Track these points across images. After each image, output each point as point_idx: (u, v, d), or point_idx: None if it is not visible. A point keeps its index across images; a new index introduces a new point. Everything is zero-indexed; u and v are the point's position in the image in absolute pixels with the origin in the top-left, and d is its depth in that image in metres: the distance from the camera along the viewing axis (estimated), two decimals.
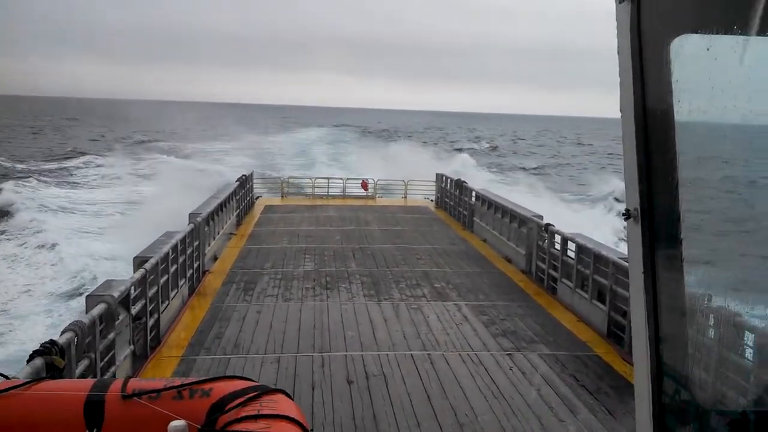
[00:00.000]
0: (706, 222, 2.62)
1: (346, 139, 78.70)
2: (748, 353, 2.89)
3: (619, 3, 2.65)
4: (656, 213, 2.66)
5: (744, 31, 2.10)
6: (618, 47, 2.69)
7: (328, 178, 37.34)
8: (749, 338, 2.90)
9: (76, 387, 3.81)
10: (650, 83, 2.58)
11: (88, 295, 10.74)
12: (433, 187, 34.45)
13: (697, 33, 2.37)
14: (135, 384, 3.76)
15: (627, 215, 2.76)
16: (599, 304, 14.12)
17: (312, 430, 3.56)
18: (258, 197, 34.01)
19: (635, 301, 2.82)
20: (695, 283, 2.62)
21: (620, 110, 2.73)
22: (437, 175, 34.16)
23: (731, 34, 2.17)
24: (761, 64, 2.07)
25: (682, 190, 2.52)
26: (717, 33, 2.23)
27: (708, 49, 2.22)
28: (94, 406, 3.62)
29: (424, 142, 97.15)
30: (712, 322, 2.62)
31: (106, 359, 10.08)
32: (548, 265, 17.52)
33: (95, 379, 4.27)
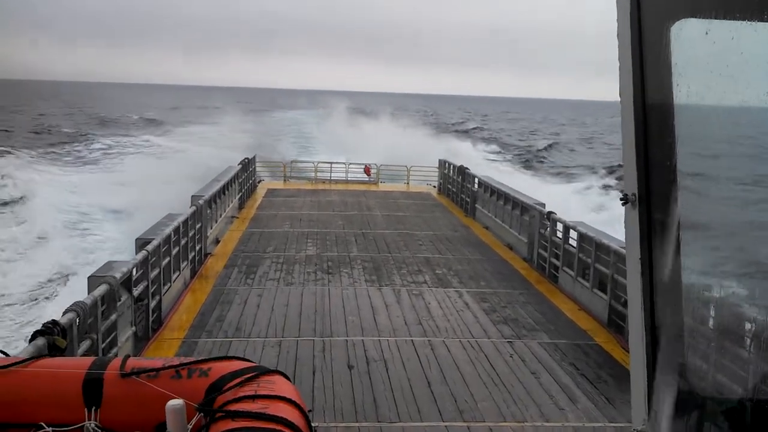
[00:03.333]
0: (705, 207, 2.61)
1: (333, 121, 78.52)
2: (745, 341, 2.89)
3: None
4: (654, 198, 2.65)
5: (742, 16, 2.09)
6: (618, 31, 2.68)
7: (330, 163, 37.27)
8: (746, 326, 2.90)
9: (75, 365, 3.82)
10: (650, 68, 2.56)
11: (90, 276, 10.76)
12: (436, 173, 34.41)
13: (695, 17, 2.37)
14: (134, 363, 3.76)
15: (625, 200, 2.75)
16: (600, 293, 14.13)
17: (311, 411, 3.57)
18: (260, 181, 33.99)
19: (632, 286, 2.82)
20: (692, 268, 2.62)
21: (619, 94, 2.72)
22: (440, 161, 34.09)
23: (730, 19, 2.16)
24: (759, 49, 2.06)
25: (681, 175, 2.51)
26: (716, 18, 2.22)
27: (707, 33, 2.22)
28: (92, 384, 3.63)
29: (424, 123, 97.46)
30: (709, 308, 2.62)
31: (108, 340, 10.11)
32: (550, 253, 17.52)
33: (94, 357, 4.28)
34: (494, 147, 79.08)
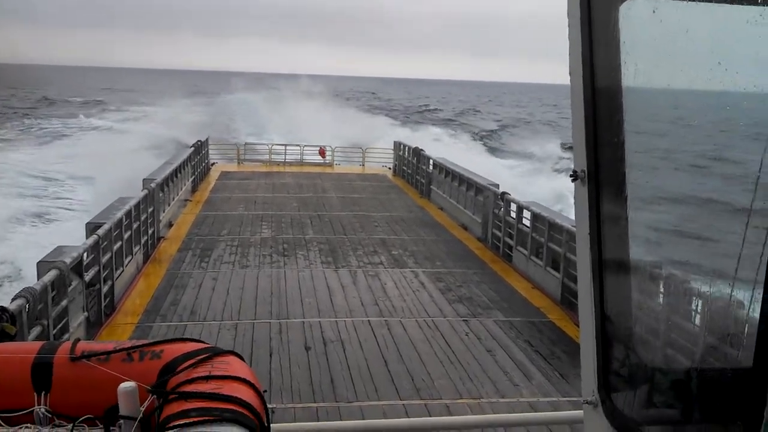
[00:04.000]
0: (651, 184, 2.67)
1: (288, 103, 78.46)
2: (690, 314, 2.97)
3: None
4: (602, 174, 2.70)
5: None
6: (568, 11, 2.70)
7: (285, 145, 36.97)
8: (692, 300, 2.98)
9: (23, 349, 3.73)
10: (599, 47, 2.60)
11: (39, 262, 10.52)
12: (391, 155, 34.43)
13: None
14: (84, 346, 3.69)
15: (574, 176, 2.79)
16: (553, 271, 14.36)
17: (266, 392, 3.56)
18: (213, 163, 33.59)
19: (581, 261, 2.87)
20: (639, 243, 2.68)
21: (569, 73, 2.76)
22: (395, 143, 34.12)
23: None
24: (704, 28, 2.11)
25: (628, 152, 2.56)
26: None
27: (654, 12, 2.26)
28: (41, 368, 3.55)
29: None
30: (656, 283, 2.69)
31: (59, 326, 9.93)
32: (504, 233, 17.73)
33: (43, 342, 4.20)
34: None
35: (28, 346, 3.80)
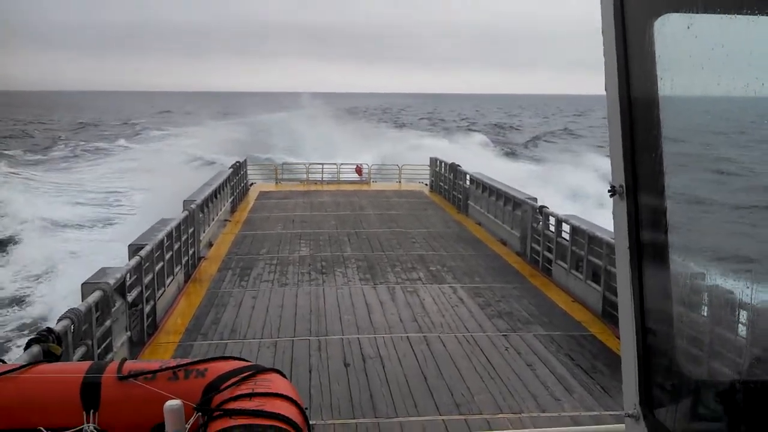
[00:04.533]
0: (692, 197, 2.67)
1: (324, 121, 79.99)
2: (735, 327, 2.93)
3: None
4: (641, 189, 2.70)
5: (722, 9, 2.16)
6: (602, 28, 2.73)
7: (322, 164, 37.27)
8: (735, 312, 2.95)
9: (72, 369, 3.84)
10: (634, 62, 2.62)
11: (83, 283, 10.75)
12: (428, 171, 34.45)
13: (678, 12, 2.43)
14: (131, 366, 3.78)
15: (612, 192, 2.80)
16: (594, 284, 14.19)
17: (307, 408, 3.60)
18: (252, 183, 33.99)
19: (621, 277, 2.86)
20: (680, 258, 2.67)
21: (605, 89, 2.77)
22: (431, 159, 34.14)
23: (710, 13, 2.23)
24: (738, 41, 2.10)
25: (667, 165, 2.56)
26: (697, 12, 2.29)
27: (688, 28, 2.28)
28: (90, 388, 3.65)
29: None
30: (698, 295, 2.67)
31: (103, 346, 10.12)
32: (543, 246, 17.59)
33: (91, 362, 4.30)
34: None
35: (77, 366, 3.91)
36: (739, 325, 2.97)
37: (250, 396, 3.46)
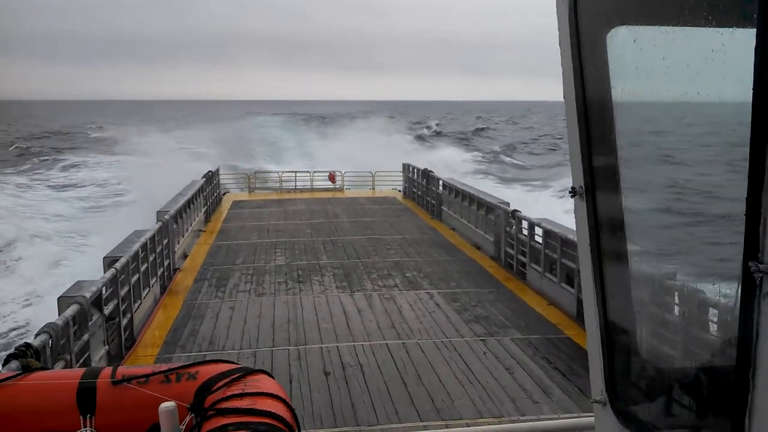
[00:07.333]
0: (646, 196, 2.87)
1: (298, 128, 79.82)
2: (689, 318, 3.13)
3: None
4: (599, 189, 2.87)
5: (663, 21, 2.38)
6: (560, 40, 2.95)
7: (295, 172, 37.27)
8: (688, 303, 3.16)
9: (67, 375, 3.97)
10: (589, 71, 2.84)
11: (60, 297, 10.68)
12: (401, 178, 34.60)
13: (626, 25, 2.67)
14: (124, 371, 3.92)
15: (573, 193, 2.98)
16: (568, 287, 14.39)
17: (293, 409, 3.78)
18: (225, 192, 33.86)
19: (584, 274, 3.04)
20: (637, 251, 2.86)
21: (563, 97, 2.98)
22: (404, 165, 34.29)
23: (653, 25, 2.48)
24: (676, 53, 2.30)
25: (622, 167, 2.77)
26: (641, 24, 2.56)
27: (635, 41, 2.52)
28: (86, 393, 3.79)
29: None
30: (654, 288, 2.92)
31: (81, 360, 10.05)
32: (517, 250, 17.78)
33: (85, 368, 4.40)
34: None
35: (72, 373, 4.03)
36: (691, 314, 3.19)
37: (241, 396, 3.63)
